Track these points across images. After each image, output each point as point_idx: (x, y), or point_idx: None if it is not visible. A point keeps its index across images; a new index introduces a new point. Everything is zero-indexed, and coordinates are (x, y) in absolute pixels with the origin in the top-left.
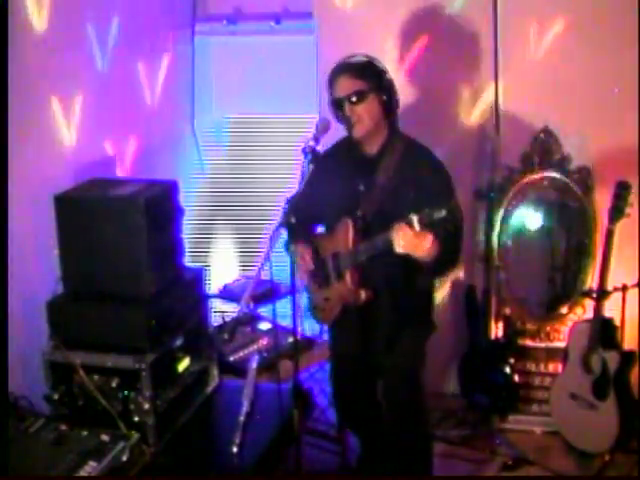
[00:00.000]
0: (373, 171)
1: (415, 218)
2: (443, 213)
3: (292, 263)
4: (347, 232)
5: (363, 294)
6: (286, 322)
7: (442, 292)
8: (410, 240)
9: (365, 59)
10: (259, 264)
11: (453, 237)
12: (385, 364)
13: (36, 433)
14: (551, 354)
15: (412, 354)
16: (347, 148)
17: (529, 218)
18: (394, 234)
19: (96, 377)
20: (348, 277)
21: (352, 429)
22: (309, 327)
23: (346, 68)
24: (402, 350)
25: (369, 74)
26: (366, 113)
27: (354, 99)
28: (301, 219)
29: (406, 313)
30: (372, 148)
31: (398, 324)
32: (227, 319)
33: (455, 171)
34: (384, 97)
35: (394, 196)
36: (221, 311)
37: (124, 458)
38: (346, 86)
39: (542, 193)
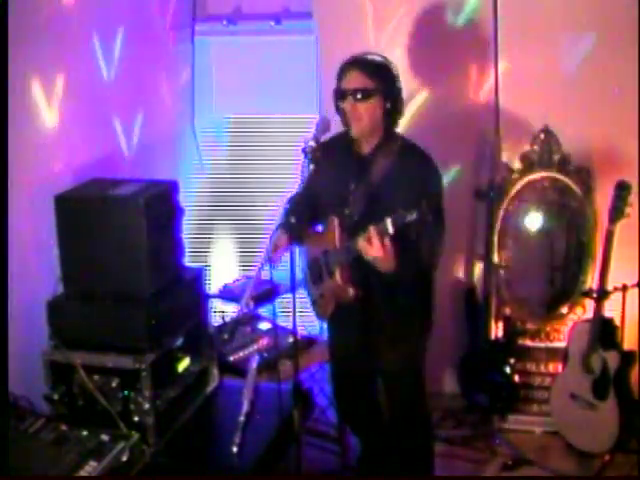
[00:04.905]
0: (365, 170)
1: (389, 220)
2: (414, 215)
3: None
4: (334, 230)
5: (351, 291)
6: (286, 322)
7: (442, 292)
8: (376, 249)
9: (382, 60)
10: (259, 264)
11: (426, 237)
12: (384, 363)
13: (36, 433)
14: (551, 354)
15: (411, 353)
16: (343, 144)
17: (529, 218)
18: (363, 238)
19: (96, 377)
20: (337, 274)
21: (352, 429)
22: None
23: (361, 63)
24: (401, 349)
25: (381, 76)
26: (366, 113)
27: (359, 96)
28: (301, 218)
29: (402, 311)
30: (367, 147)
31: (395, 322)
32: (227, 319)
33: (455, 171)
34: (388, 103)
35: (382, 197)
36: (221, 311)
37: (124, 458)
38: (355, 81)
39: (542, 193)
